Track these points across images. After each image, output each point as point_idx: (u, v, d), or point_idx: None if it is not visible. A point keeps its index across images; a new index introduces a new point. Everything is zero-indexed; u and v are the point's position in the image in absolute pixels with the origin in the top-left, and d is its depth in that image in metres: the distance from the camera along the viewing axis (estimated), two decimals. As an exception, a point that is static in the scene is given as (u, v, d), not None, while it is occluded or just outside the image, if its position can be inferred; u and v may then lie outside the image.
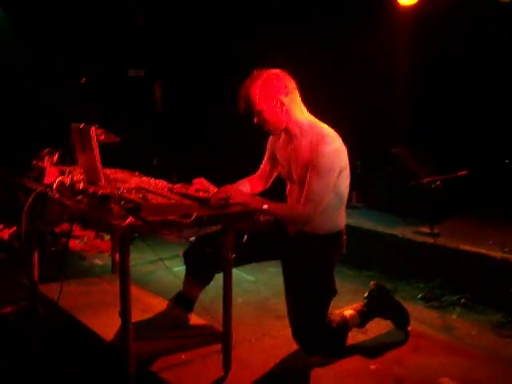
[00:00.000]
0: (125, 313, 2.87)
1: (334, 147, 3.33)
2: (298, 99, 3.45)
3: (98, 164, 3.21)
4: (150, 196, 3.01)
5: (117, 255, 4.15)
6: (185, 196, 3.12)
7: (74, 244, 5.84)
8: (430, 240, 4.95)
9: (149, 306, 3.65)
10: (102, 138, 4.06)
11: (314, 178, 3.30)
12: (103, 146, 3.46)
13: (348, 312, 3.75)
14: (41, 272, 3.95)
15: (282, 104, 3.36)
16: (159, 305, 3.67)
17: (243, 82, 3.42)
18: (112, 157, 3.68)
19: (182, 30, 7.45)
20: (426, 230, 5.09)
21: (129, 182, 3.41)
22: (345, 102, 6.35)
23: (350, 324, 3.72)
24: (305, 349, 3.57)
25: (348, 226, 4.82)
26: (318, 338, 3.55)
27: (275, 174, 3.74)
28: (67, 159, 3.78)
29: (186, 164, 6.64)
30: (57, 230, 5.58)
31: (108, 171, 3.65)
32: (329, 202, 3.40)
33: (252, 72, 3.42)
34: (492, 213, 5.85)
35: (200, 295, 3.50)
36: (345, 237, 3.61)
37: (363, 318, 3.78)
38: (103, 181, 3.23)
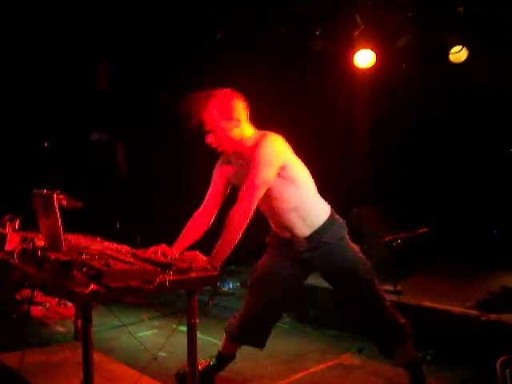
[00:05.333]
0: (87, 383, 2.82)
1: (273, 143, 3.36)
2: (247, 116, 3.50)
3: (60, 230, 3.18)
4: (112, 262, 2.97)
5: (79, 322, 4.09)
6: (147, 261, 3.09)
7: (36, 310, 5.71)
8: (394, 298, 4.97)
9: (113, 373, 3.59)
10: (65, 203, 4.06)
11: (252, 170, 3.31)
12: (66, 211, 3.45)
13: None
14: (1, 340, 3.87)
15: (239, 122, 3.40)
16: (124, 372, 3.62)
17: (190, 101, 3.37)
18: (74, 221, 3.65)
19: (144, 92, 7.52)
20: (390, 287, 5.10)
21: (91, 248, 3.37)
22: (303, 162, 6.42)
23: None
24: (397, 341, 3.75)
25: (312, 287, 4.81)
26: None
27: (220, 203, 3.66)
28: (29, 225, 3.76)
29: (149, 227, 6.63)
30: (18, 296, 5.48)
31: (70, 237, 3.62)
32: (306, 199, 3.50)
33: (197, 92, 3.40)
34: (454, 268, 5.92)
35: (163, 360, 3.44)
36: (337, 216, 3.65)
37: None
38: (65, 247, 3.21)
